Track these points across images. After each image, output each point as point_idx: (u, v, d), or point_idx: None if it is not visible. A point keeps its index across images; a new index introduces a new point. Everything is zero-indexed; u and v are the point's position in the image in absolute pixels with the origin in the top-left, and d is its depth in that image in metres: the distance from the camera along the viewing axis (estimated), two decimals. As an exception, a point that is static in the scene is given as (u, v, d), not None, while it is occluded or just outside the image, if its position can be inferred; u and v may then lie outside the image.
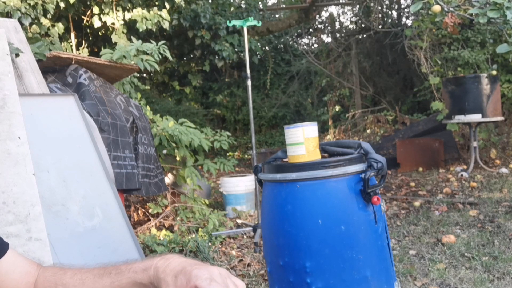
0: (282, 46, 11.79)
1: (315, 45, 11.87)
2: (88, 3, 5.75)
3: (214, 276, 0.76)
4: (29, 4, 4.60)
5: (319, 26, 11.49)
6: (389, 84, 9.84)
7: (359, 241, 1.59)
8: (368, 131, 8.57)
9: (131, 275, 0.86)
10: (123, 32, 5.71)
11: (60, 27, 5.39)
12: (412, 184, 5.39)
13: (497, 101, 5.65)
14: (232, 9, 8.00)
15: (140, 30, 5.48)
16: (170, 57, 4.08)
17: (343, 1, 9.88)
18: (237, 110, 11.03)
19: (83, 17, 5.96)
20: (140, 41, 3.91)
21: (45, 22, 5.22)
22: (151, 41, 3.95)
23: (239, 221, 4.20)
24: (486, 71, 6.37)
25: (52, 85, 3.19)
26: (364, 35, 9.83)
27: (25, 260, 0.98)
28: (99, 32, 6.32)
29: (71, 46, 5.92)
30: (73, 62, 3.37)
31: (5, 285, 0.93)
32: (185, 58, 8.64)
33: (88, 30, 6.46)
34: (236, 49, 7.10)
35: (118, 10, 5.70)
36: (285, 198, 1.63)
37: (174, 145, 3.97)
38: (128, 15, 5.65)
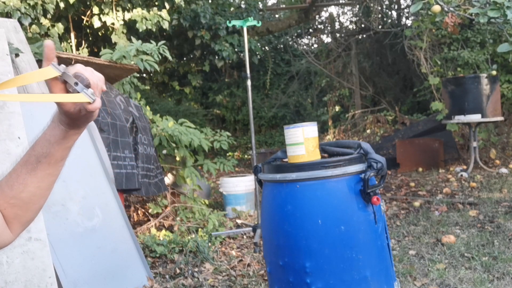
0: (282, 46, 11.79)
1: (315, 45, 11.87)
2: (88, 3, 5.75)
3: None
4: (29, 4, 4.59)
5: (319, 26, 11.49)
6: (389, 84, 9.84)
7: (359, 241, 1.59)
8: (368, 131, 8.57)
9: (64, 144, 0.87)
10: (123, 32, 5.71)
11: (60, 27, 5.39)
12: (412, 184, 5.39)
13: (497, 101, 5.65)
14: (232, 9, 8.01)
15: (140, 30, 5.48)
16: (170, 57, 4.09)
17: (343, 1, 9.88)
18: (237, 110, 11.03)
19: (83, 17, 5.96)
20: (140, 41, 3.91)
21: (45, 22, 5.22)
22: (151, 41, 3.95)
23: (239, 221, 4.20)
24: (486, 71, 6.37)
25: (52, 85, 3.18)
26: (364, 35, 9.84)
27: None
28: (99, 32, 6.32)
29: (71, 46, 5.92)
30: (73, 62, 3.37)
31: None
32: (185, 58, 8.64)
33: (88, 30, 6.46)
34: (236, 49, 7.10)
35: (118, 10, 5.71)
36: (285, 198, 1.63)
37: (174, 145, 3.97)
38: (128, 15, 5.66)
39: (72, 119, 0.85)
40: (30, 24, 4.87)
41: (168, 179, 4.19)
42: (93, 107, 0.81)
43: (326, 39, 11.51)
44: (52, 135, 0.86)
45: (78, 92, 0.79)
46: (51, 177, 0.89)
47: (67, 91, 0.80)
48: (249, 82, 3.61)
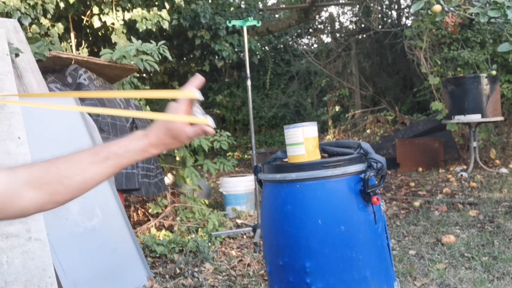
0: (282, 46, 11.79)
1: (315, 45, 11.87)
2: (88, 3, 5.75)
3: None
4: (29, 4, 4.59)
5: (319, 26, 11.48)
6: (389, 84, 9.84)
7: (358, 241, 1.59)
8: (368, 131, 8.57)
9: (135, 157, 0.96)
10: (123, 32, 5.71)
11: (60, 27, 5.39)
12: (412, 184, 5.39)
13: (497, 101, 5.65)
14: (232, 9, 8.00)
15: (140, 30, 5.47)
16: (170, 57, 4.08)
17: (343, 1, 9.88)
18: (237, 110, 11.03)
19: (83, 17, 5.96)
20: (140, 41, 3.91)
21: (45, 22, 5.22)
22: (151, 41, 3.95)
23: (239, 221, 4.20)
24: (486, 71, 6.37)
25: (52, 85, 3.19)
26: (364, 35, 9.84)
27: None
28: (99, 32, 6.32)
29: (71, 46, 5.91)
30: (73, 62, 3.37)
31: None
32: (185, 58, 8.63)
33: (88, 30, 6.45)
34: (236, 49, 7.09)
35: (118, 10, 5.70)
36: (285, 198, 1.63)
37: (174, 145, 3.96)
38: (128, 15, 5.65)
39: (167, 136, 0.97)
40: (30, 24, 4.87)
41: (168, 179, 4.19)
42: (211, 130, 0.99)
43: (326, 39, 11.52)
44: (133, 144, 0.96)
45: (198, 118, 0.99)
46: (105, 176, 0.96)
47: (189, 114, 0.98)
48: (249, 82, 3.61)
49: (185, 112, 0.96)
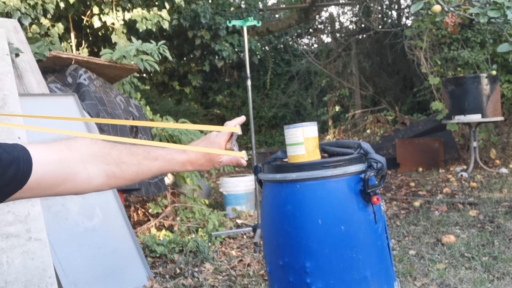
0: (282, 46, 11.79)
1: (315, 45, 11.87)
2: (88, 3, 5.76)
3: None
4: (29, 4, 4.60)
5: (319, 26, 11.49)
6: (389, 84, 9.84)
7: (359, 241, 1.59)
8: (368, 131, 8.57)
9: (175, 167, 1.06)
10: (123, 32, 5.71)
11: (60, 27, 5.39)
12: (412, 184, 5.39)
13: (497, 101, 5.65)
14: (232, 9, 8.01)
15: (140, 30, 5.48)
16: (170, 57, 4.09)
17: (343, 1, 9.88)
18: (237, 110, 11.03)
19: (83, 17, 5.96)
20: (140, 41, 3.91)
21: (45, 22, 5.23)
22: (151, 41, 3.95)
23: (239, 221, 4.20)
24: (486, 71, 6.37)
25: (52, 85, 3.19)
26: (364, 35, 9.83)
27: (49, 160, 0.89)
28: (99, 32, 6.32)
29: (71, 46, 5.92)
30: (73, 62, 3.37)
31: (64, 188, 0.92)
32: (185, 58, 8.64)
33: (88, 30, 6.46)
34: (236, 49, 7.10)
35: (118, 10, 5.71)
36: (285, 198, 1.63)
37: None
38: (128, 15, 5.66)
39: (204, 158, 1.08)
40: (30, 24, 4.88)
41: (168, 179, 4.19)
42: (244, 163, 1.13)
43: (326, 39, 11.52)
44: (177, 155, 1.05)
45: (233, 150, 1.12)
46: (151, 175, 1.05)
47: (225, 146, 1.11)
48: (249, 82, 3.61)
49: (225, 142, 1.10)
